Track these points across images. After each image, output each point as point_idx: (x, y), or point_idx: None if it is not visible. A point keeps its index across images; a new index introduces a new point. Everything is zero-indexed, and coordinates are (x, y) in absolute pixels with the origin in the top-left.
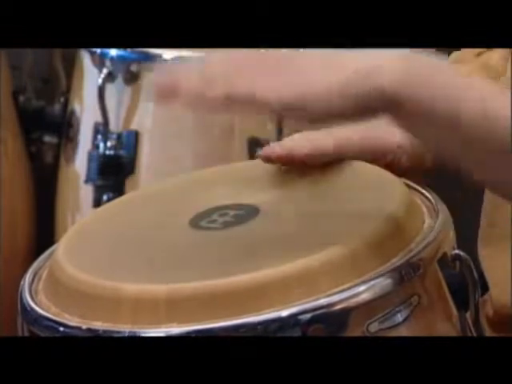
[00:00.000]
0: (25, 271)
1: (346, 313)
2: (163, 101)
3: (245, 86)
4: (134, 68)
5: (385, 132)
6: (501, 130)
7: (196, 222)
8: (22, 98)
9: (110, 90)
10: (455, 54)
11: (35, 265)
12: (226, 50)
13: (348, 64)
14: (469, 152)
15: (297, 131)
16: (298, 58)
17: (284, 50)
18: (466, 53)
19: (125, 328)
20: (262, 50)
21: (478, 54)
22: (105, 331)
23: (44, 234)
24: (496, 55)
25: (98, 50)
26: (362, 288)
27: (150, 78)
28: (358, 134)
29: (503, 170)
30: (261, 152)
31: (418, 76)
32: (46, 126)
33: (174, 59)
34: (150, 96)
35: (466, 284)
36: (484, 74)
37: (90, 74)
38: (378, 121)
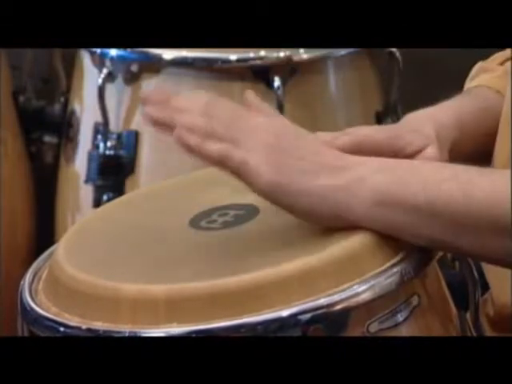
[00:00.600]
0: (25, 271)
1: (346, 313)
2: (156, 128)
3: (241, 158)
4: (134, 68)
5: (408, 135)
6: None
7: (196, 222)
8: (22, 98)
9: (110, 90)
10: (480, 64)
11: (35, 265)
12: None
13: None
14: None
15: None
16: (304, 146)
17: (294, 131)
18: (490, 62)
19: (125, 328)
20: (271, 123)
21: (501, 63)
22: (105, 331)
23: (44, 234)
24: None
25: (98, 50)
26: (362, 288)
27: (150, 79)
28: (380, 133)
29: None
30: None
31: (394, 181)
32: (46, 126)
33: (175, 60)
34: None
35: (465, 284)
36: (506, 81)
37: (90, 73)
38: (401, 125)
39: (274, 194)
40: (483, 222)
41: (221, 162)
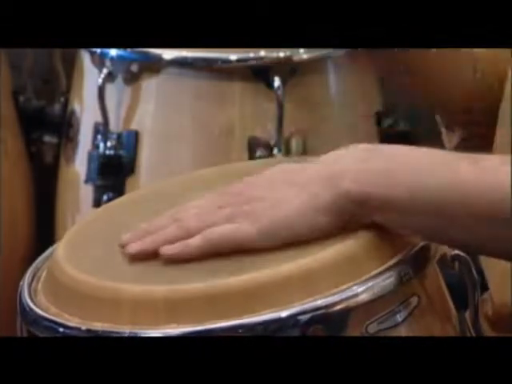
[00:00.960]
0: (25, 271)
1: (346, 313)
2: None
3: (222, 228)
4: (134, 68)
5: None
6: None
7: None
8: (22, 98)
9: (110, 90)
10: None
11: (35, 265)
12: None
13: (311, 174)
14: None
15: (297, 131)
16: (258, 183)
17: (238, 181)
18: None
19: (124, 329)
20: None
21: None
22: (104, 332)
23: (44, 234)
24: None
25: (98, 50)
26: (361, 288)
27: (150, 79)
28: None
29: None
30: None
31: (375, 171)
32: (46, 126)
33: (175, 60)
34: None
35: (465, 284)
36: None
37: (90, 73)
38: None
39: (274, 240)
40: (472, 211)
41: (210, 246)
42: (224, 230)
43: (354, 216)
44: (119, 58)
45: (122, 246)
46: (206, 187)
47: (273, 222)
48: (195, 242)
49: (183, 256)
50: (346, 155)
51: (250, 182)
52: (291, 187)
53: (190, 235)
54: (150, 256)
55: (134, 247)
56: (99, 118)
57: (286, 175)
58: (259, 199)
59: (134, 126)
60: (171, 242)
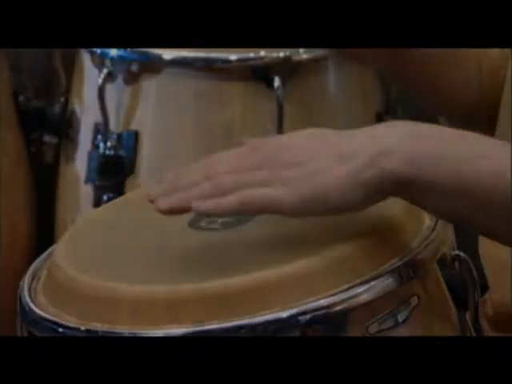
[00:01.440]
0: (25, 271)
1: (346, 314)
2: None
3: (258, 192)
4: (134, 68)
5: None
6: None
7: (195, 223)
8: (21, 98)
9: (110, 90)
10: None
11: (34, 265)
12: (229, 151)
13: (357, 148)
14: (487, 217)
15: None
16: (295, 147)
17: (285, 141)
18: None
19: (124, 329)
20: (258, 145)
21: None
22: (104, 332)
23: (44, 234)
24: None
25: (98, 50)
26: (361, 289)
27: (150, 79)
28: None
29: None
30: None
31: (425, 155)
32: (46, 126)
33: (175, 60)
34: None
35: (465, 284)
36: None
37: (90, 73)
38: None
39: (306, 211)
40: None
41: (243, 208)
42: (260, 195)
43: (389, 195)
44: (119, 58)
45: (151, 201)
46: None
47: (310, 192)
48: (229, 202)
49: (214, 213)
50: (396, 132)
51: (287, 145)
52: (333, 158)
53: (224, 194)
54: (177, 212)
55: (164, 203)
56: (99, 118)
57: (328, 144)
58: (298, 165)
59: (133, 126)
60: (202, 198)
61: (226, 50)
